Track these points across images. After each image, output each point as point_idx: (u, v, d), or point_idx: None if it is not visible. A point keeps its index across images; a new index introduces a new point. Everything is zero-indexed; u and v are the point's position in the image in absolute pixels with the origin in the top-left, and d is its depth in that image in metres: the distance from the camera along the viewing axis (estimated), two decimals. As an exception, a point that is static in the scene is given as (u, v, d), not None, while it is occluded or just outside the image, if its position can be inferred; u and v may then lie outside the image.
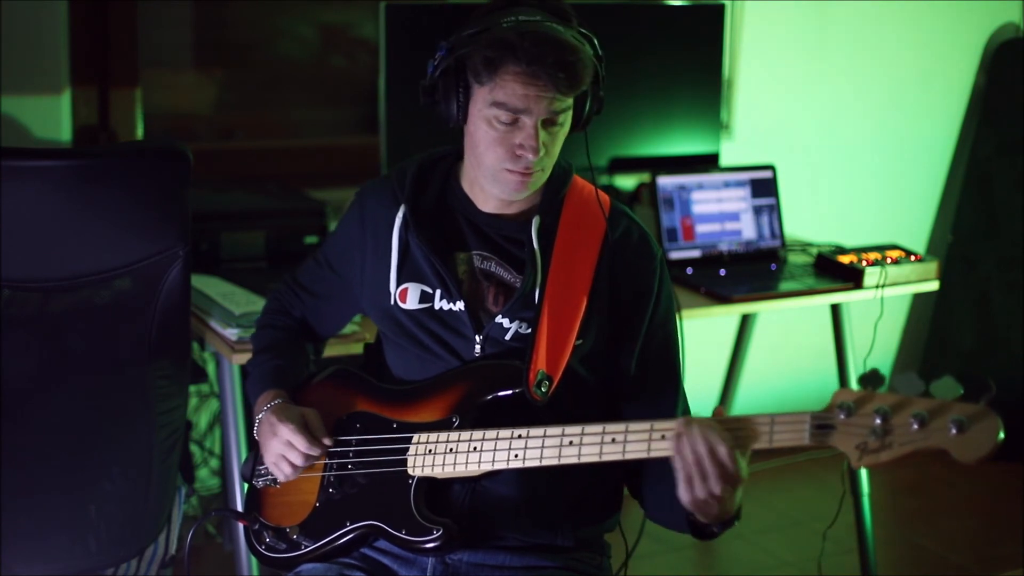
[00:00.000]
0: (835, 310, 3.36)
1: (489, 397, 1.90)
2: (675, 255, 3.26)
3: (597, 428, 1.78)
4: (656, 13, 3.58)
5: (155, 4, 3.57)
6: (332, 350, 2.44)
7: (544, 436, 1.81)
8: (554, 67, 1.81)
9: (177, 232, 2.25)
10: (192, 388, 3.14)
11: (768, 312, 3.82)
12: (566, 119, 1.89)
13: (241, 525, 2.10)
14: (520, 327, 1.93)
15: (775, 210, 3.41)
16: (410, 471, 1.90)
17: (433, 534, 1.86)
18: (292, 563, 1.99)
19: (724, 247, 3.33)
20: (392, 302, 1.99)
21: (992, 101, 4.44)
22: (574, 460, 1.79)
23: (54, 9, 3.18)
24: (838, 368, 3.40)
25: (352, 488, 1.96)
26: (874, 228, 4.23)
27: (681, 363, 2.03)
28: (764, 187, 3.41)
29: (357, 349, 2.50)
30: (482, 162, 1.91)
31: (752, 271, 3.29)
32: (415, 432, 1.92)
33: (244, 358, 2.44)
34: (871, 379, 1.57)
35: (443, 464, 1.88)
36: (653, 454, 1.74)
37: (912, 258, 3.29)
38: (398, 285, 1.99)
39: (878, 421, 1.55)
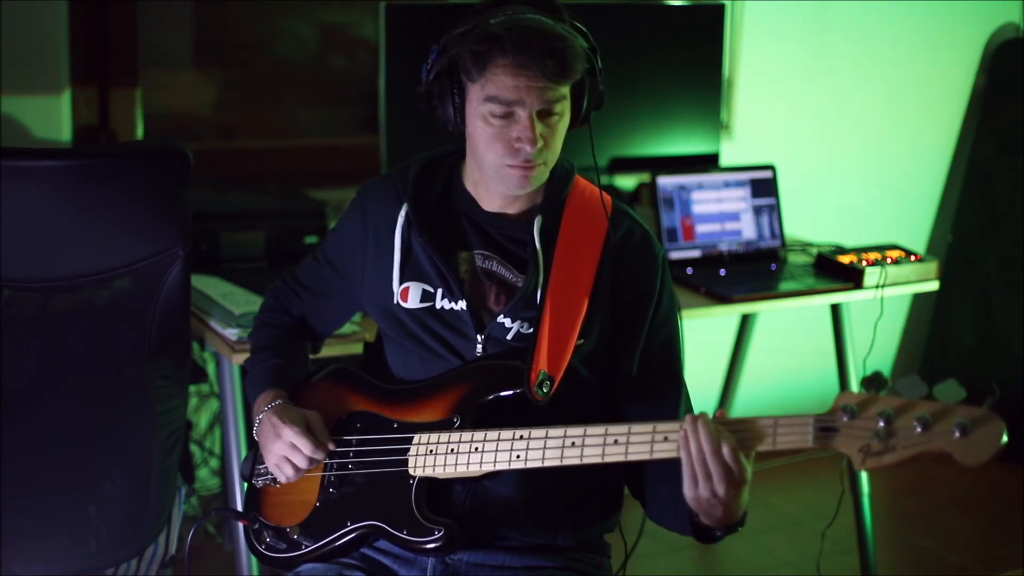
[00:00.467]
0: (835, 310, 3.36)
1: (490, 397, 1.90)
2: (675, 255, 3.26)
3: (599, 429, 1.77)
4: (656, 13, 3.58)
5: (155, 4, 3.57)
6: (332, 350, 2.44)
7: (546, 437, 1.81)
8: (541, 55, 1.81)
9: (177, 232, 2.25)
10: (192, 388, 3.14)
11: (768, 312, 3.82)
12: (563, 110, 1.89)
13: (241, 525, 2.10)
14: (522, 327, 1.92)
15: (775, 210, 3.41)
16: (411, 471, 1.90)
17: (434, 535, 1.86)
18: (292, 563, 1.99)
19: (724, 247, 3.33)
20: (394, 301, 1.99)
21: (992, 101, 4.44)
22: (576, 461, 1.78)
23: (54, 9, 3.18)
24: (838, 368, 3.40)
25: (352, 488, 1.96)
26: (874, 228, 4.23)
27: (683, 363, 2.03)
28: (764, 187, 3.41)
29: (357, 349, 2.50)
30: (483, 161, 1.91)
31: (752, 271, 3.29)
32: (416, 432, 1.92)
33: (244, 358, 2.43)
34: (874, 382, 1.57)
35: (444, 464, 1.88)
36: (656, 455, 1.74)
37: (912, 258, 3.29)
38: (400, 284, 1.99)
39: (881, 424, 1.55)
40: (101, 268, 2.23)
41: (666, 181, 3.29)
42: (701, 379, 4.01)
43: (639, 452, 1.74)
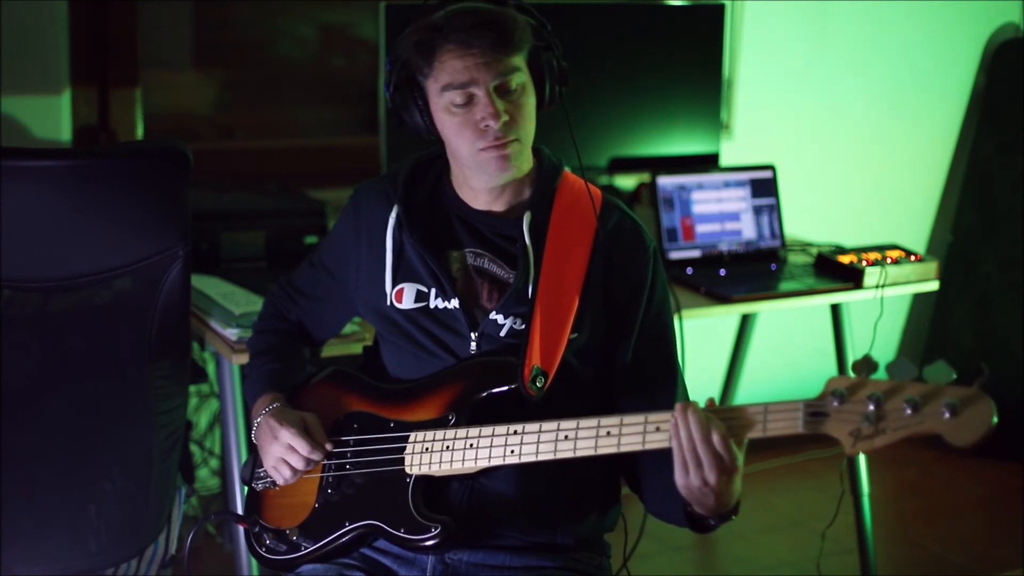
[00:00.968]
0: (835, 310, 3.36)
1: (484, 394, 1.90)
2: (675, 255, 3.26)
3: (592, 422, 1.78)
4: (656, 13, 3.59)
5: (155, 4, 3.57)
6: (332, 350, 2.44)
7: (540, 431, 1.81)
8: (479, 29, 1.84)
9: (177, 232, 2.25)
10: (192, 388, 3.14)
11: (768, 312, 3.82)
12: (521, 84, 1.89)
13: (241, 528, 2.10)
14: (515, 323, 1.93)
15: (775, 210, 3.41)
16: (407, 470, 1.91)
17: (431, 532, 1.86)
18: (292, 564, 2.00)
19: (724, 247, 3.33)
20: (388, 303, 1.99)
21: (992, 101, 4.44)
22: (569, 454, 1.79)
23: (54, 9, 3.18)
24: (838, 368, 3.40)
25: (351, 488, 1.96)
26: (874, 228, 4.23)
27: (679, 354, 2.03)
28: (764, 187, 3.41)
29: (357, 349, 2.50)
30: (459, 155, 1.93)
31: (752, 271, 3.29)
32: (412, 431, 1.92)
33: (244, 358, 2.44)
34: (864, 365, 1.57)
35: (440, 462, 1.88)
36: (648, 446, 1.74)
37: (912, 258, 3.29)
38: (394, 285, 1.99)
39: (871, 407, 1.55)
40: (101, 268, 2.23)
41: (666, 181, 3.29)
42: (701, 379, 4.01)
43: (632, 443, 1.75)
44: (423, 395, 1.95)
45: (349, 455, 1.98)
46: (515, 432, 1.83)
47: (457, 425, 1.89)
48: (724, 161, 3.72)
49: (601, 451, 1.77)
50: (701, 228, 3.31)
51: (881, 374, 1.57)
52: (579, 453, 1.79)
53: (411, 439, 1.92)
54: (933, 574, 3.59)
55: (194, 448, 3.40)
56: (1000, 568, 3.62)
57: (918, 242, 4.55)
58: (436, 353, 1.97)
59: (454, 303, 1.95)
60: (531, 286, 1.93)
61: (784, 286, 3.21)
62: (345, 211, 2.11)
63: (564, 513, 1.96)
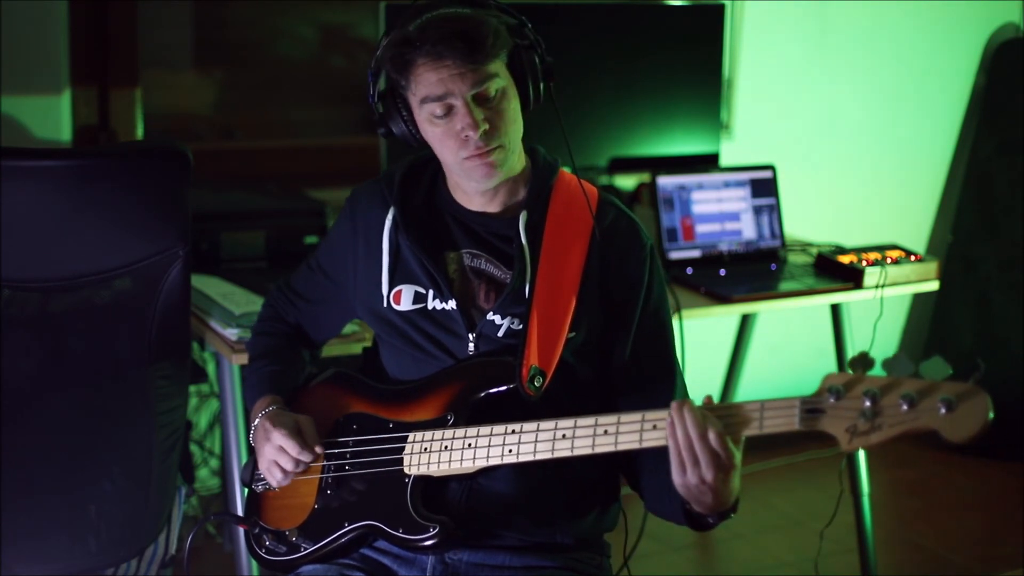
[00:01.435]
0: (835, 310, 3.36)
1: (483, 394, 1.91)
2: (675, 255, 3.26)
3: (589, 420, 1.78)
4: (656, 13, 3.59)
5: (155, 4, 3.57)
6: (331, 350, 2.44)
7: (537, 431, 1.82)
8: (451, 40, 1.82)
9: (177, 232, 2.25)
10: (192, 388, 3.14)
11: (768, 312, 3.82)
12: (500, 90, 1.88)
13: (241, 529, 2.10)
14: (512, 323, 1.93)
15: (775, 210, 3.41)
16: (406, 470, 1.91)
17: (430, 532, 1.86)
18: (292, 565, 2.00)
19: (724, 247, 3.33)
20: (385, 304, 1.99)
21: (992, 101, 4.44)
22: (567, 453, 1.79)
23: (54, 9, 3.18)
24: (838, 368, 3.40)
25: (350, 489, 1.96)
26: (874, 228, 4.23)
27: (677, 352, 2.03)
28: (764, 187, 3.41)
29: (356, 349, 2.50)
30: (446, 162, 1.94)
31: (752, 271, 3.29)
32: (411, 431, 1.92)
33: (244, 358, 2.44)
34: (860, 362, 1.57)
35: (438, 462, 1.88)
36: (645, 444, 1.74)
37: (912, 258, 3.29)
38: (391, 287, 1.99)
39: (867, 403, 1.55)
40: (101, 268, 2.23)
41: (666, 181, 3.29)
42: (701, 379, 4.00)
43: (629, 441, 1.75)
44: (422, 396, 1.95)
45: (348, 456, 1.98)
46: (513, 432, 1.83)
47: (456, 425, 1.89)
48: (724, 161, 3.72)
49: (599, 450, 1.77)
50: (701, 228, 3.31)
51: (878, 371, 1.57)
52: (577, 452, 1.79)
53: (410, 439, 1.92)
54: (933, 574, 3.59)
55: (194, 448, 3.40)
56: (1000, 568, 3.62)
57: (918, 242, 4.55)
58: (434, 354, 1.97)
59: (451, 304, 1.95)
60: (528, 286, 1.93)
61: (784, 286, 3.21)
62: (342, 214, 2.11)
63: (564, 513, 1.96)
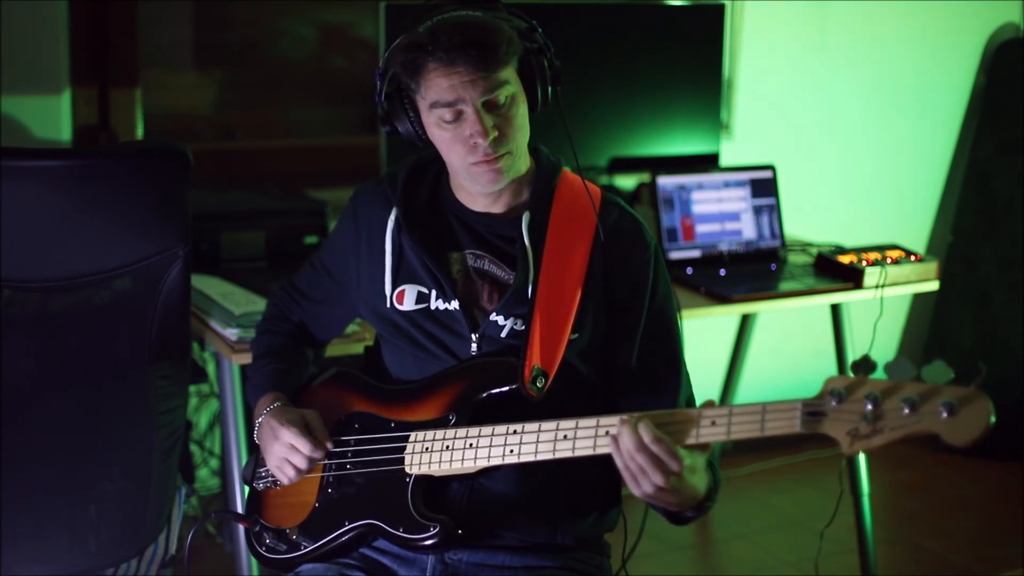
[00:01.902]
0: (835, 310, 3.36)
1: (485, 394, 1.91)
2: (675, 255, 3.26)
3: (591, 421, 1.78)
4: (656, 13, 3.59)
5: (155, 4, 3.57)
6: (333, 350, 2.44)
7: (539, 431, 1.82)
8: (464, 47, 1.81)
9: (177, 232, 2.25)
10: (192, 388, 3.14)
11: (768, 312, 3.82)
12: (510, 97, 1.87)
13: (242, 527, 2.10)
14: (515, 324, 1.93)
15: (775, 210, 3.41)
16: (407, 469, 1.91)
17: (431, 531, 1.87)
18: (292, 564, 2.00)
19: (724, 247, 3.33)
20: (388, 304, 1.99)
21: (992, 101, 4.44)
22: (569, 454, 1.79)
23: (54, 9, 3.18)
24: (838, 369, 3.40)
25: (351, 488, 1.96)
26: (874, 228, 4.23)
27: (682, 351, 2.02)
28: (764, 187, 3.41)
29: (358, 349, 2.51)
30: (452, 165, 1.94)
31: (752, 271, 3.29)
32: (412, 431, 1.92)
33: (244, 358, 2.44)
34: (862, 365, 1.57)
35: (440, 461, 1.88)
36: (606, 450, 1.74)
37: (912, 258, 3.29)
38: (394, 287, 1.99)
39: (869, 406, 1.55)
40: (101, 268, 2.23)
41: (666, 181, 3.30)
42: (701, 379, 3.98)
43: None
44: (424, 396, 1.95)
45: (349, 455, 1.98)
46: (514, 432, 1.83)
47: (457, 425, 1.89)
48: (724, 161, 3.72)
49: (600, 450, 1.77)
50: (701, 228, 3.31)
51: (880, 374, 1.57)
52: (578, 452, 1.79)
53: (411, 439, 1.92)
54: (933, 574, 3.59)
55: (194, 448, 3.40)
56: (1000, 568, 3.62)
57: (918, 242, 4.55)
58: (437, 354, 1.97)
59: (454, 304, 1.95)
60: (531, 287, 1.93)
61: (784, 286, 3.21)
62: (344, 213, 2.11)
63: (564, 513, 1.96)
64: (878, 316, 3.19)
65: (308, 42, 3.99)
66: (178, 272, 2.26)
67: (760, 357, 4.09)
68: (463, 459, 1.87)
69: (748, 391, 4.03)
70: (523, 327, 1.92)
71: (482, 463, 1.86)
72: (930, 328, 4.57)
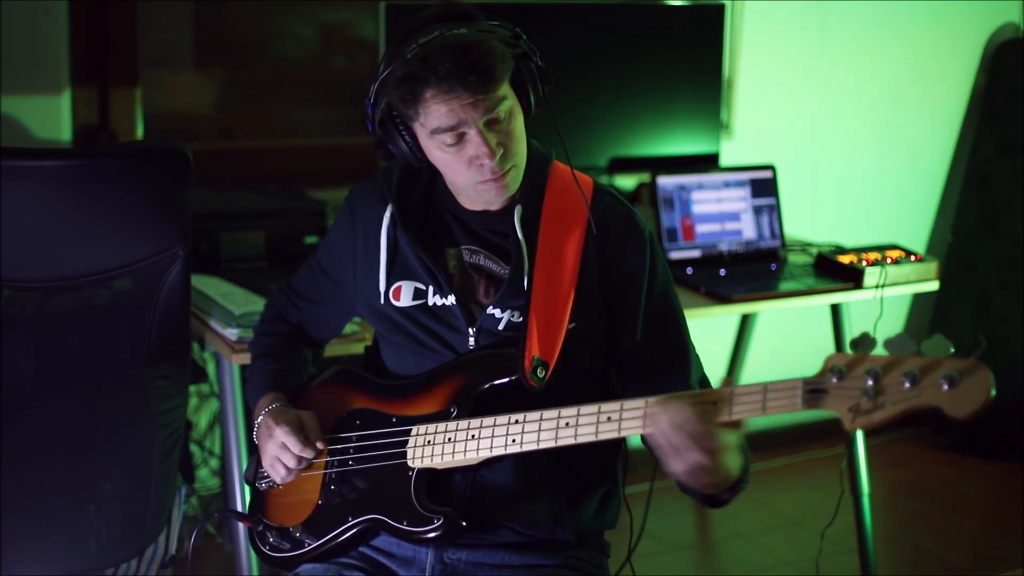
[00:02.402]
0: (835, 310, 3.36)
1: (486, 386, 1.91)
2: (675, 255, 3.26)
3: (593, 408, 1.79)
4: (656, 13, 3.59)
5: (155, 4, 3.57)
6: (332, 350, 2.44)
7: (541, 420, 1.82)
8: (461, 73, 1.79)
9: (177, 232, 2.25)
10: (192, 388, 3.14)
11: (768, 312, 3.82)
12: (508, 111, 1.87)
13: (243, 526, 2.10)
14: (512, 316, 1.93)
15: (775, 210, 3.41)
16: (410, 463, 1.91)
17: (434, 523, 1.87)
18: (296, 562, 2.00)
19: (724, 247, 3.33)
20: (384, 301, 1.99)
21: (992, 101, 4.44)
22: (571, 441, 1.80)
23: (54, 9, 3.18)
24: (838, 367, 3.40)
25: (353, 484, 1.97)
26: (874, 228, 4.23)
27: (688, 333, 2.02)
28: (764, 187, 3.41)
29: (357, 349, 2.51)
30: (456, 184, 1.95)
31: (752, 271, 3.29)
32: (414, 424, 1.93)
33: (244, 358, 2.44)
34: (862, 343, 1.57)
35: (442, 454, 1.89)
36: (647, 430, 1.74)
37: (912, 258, 3.29)
38: (390, 284, 2.00)
39: (870, 382, 1.55)
40: (101, 268, 2.23)
41: (666, 181, 3.30)
42: (701, 379, 4.00)
43: (633, 428, 1.75)
44: (425, 390, 1.96)
45: (352, 451, 1.98)
46: (516, 421, 1.84)
47: (459, 417, 1.90)
48: (724, 161, 3.72)
49: (602, 436, 1.77)
50: (701, 228, 3.31)
51: (880, 351, 1.57)
52: (580, 440, 1.79)
53: (413, 432, 1.92)
54: (933, 574, 3.59)
55: (194, 448, 3.40)
56: (1000, 568, 3.62)
57: (918, 242, 4.55)
58: (435, 349, 1.97)
59: (451, 299, 1.96)
60: (526, 278, 1.93)
61: (784, 286, 3.21)
62: (340, 213, 2.12)
63: (565, 504, 1.96)
64: (878, 316, 3.19)
65: (308, 42, 3.99)
66: (178, 272, 2.26)
67: (760, 357, 4.09)
68: (465, 451, 1.87)
69: (748, 391, 4.03)
70: (520, 319, 1.92)
71: (484, 454, 1.86)
72: (930, 328, 4.57)
